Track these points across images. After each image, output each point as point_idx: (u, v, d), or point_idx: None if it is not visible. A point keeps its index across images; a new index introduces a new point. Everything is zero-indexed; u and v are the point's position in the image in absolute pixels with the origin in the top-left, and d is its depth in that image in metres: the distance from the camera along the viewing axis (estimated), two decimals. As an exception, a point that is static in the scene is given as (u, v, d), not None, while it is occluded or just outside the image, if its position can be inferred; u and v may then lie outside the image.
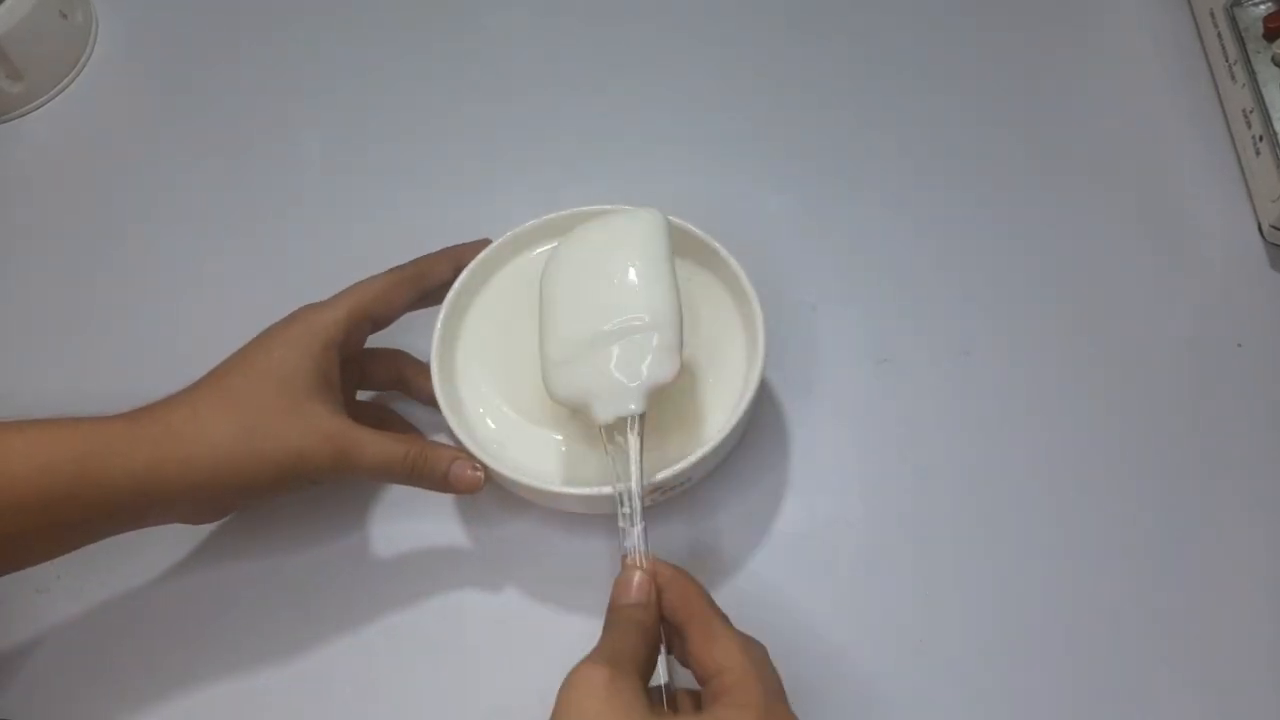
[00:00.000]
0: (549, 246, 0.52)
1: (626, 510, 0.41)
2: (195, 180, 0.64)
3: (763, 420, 0.52)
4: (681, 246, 0.50)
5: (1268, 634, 0.46)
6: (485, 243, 0.51)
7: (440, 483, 0.45)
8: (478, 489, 0.46)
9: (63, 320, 0.59)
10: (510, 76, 0.66)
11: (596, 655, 0.36)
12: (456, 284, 0.49)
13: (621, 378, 0.41)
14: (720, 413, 0.47)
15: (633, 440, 0.41)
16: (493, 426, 0.48)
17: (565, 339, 0.43)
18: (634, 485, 0.41)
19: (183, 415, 0.43)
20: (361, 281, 0.47)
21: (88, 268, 0.61)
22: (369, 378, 0.51)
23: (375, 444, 0.44)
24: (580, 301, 0.44)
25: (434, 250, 0.50)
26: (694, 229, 0.49)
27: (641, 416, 0.41)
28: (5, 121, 0.67)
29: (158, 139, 0.66)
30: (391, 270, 0.48)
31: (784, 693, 0.37)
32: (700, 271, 0.50)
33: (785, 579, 0.48)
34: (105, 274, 0.60)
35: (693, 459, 0.44)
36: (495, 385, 0.49)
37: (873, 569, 0.48)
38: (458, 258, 0.50)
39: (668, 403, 0.48)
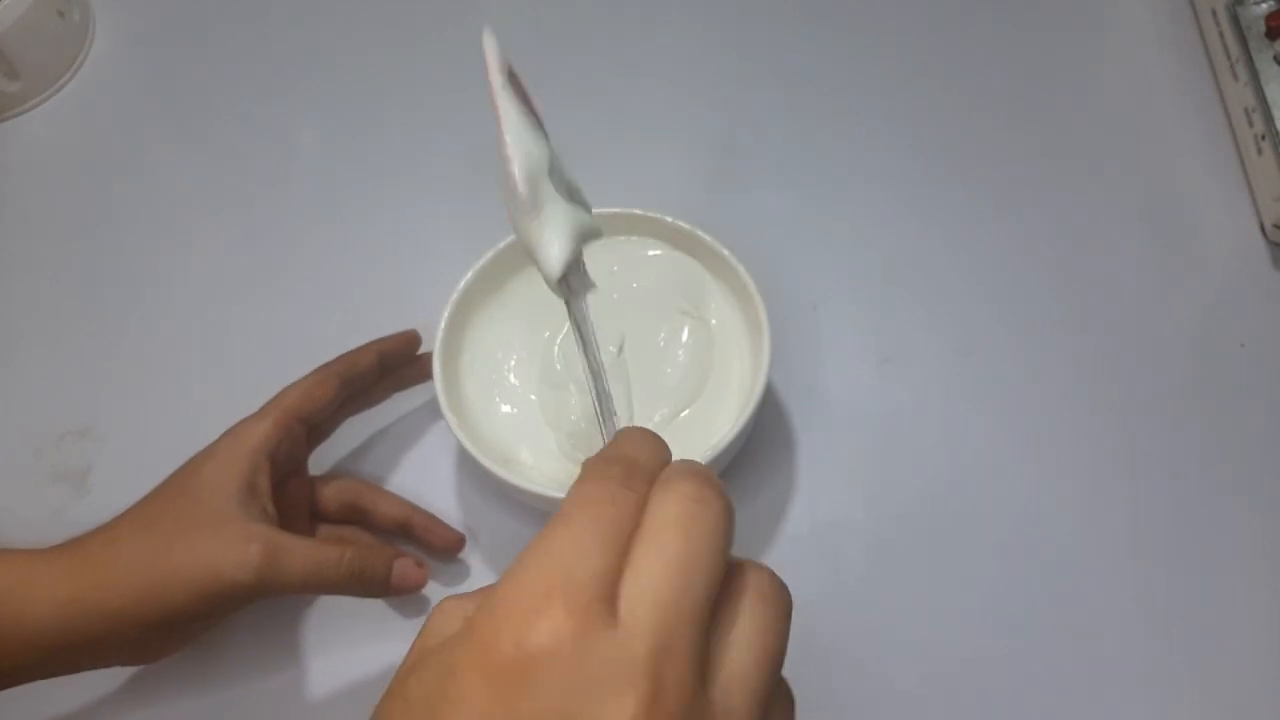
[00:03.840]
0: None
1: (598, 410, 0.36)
2: (192, 179, 0.63)
3: (765, 421, 0.51)
4: (689, 249, 0.51)
5: (1270, 633, 0.46)
6: (410, 334, 0.50)
7: (381, 586, 0.43)
8: (423, 587, 0.44)
9: (58, 319, 0.59)
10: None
11: None
12: (461, 285, 0.49)
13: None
14: (725, 417, 0.47)
15: (580, 318, 0.37)
16: (495, 430, 0.48)
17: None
18: (595, 370, 0.36)
19: (101, 542, 0.41)
20: (287, 387, 0.46)
21: (84, 266, 0.60)
22: (320, 505, 0.48)
23: (305, 549, 0.41)
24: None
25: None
26: (702, 234, 0.49)
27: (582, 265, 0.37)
28: (2, 120, 0.67)
29: (155, 138, 0.65)
30: (317, 369, 0.47)
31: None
32: (706, 274, 0.50)
33: (789, 580, 0.48)
34: (101, 272, 0.60)
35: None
36: (497, 389, 0.49)
37: (876, 569, 0.48)
38: (381, 349, 0.49)
39: (671, 406, 0.48)
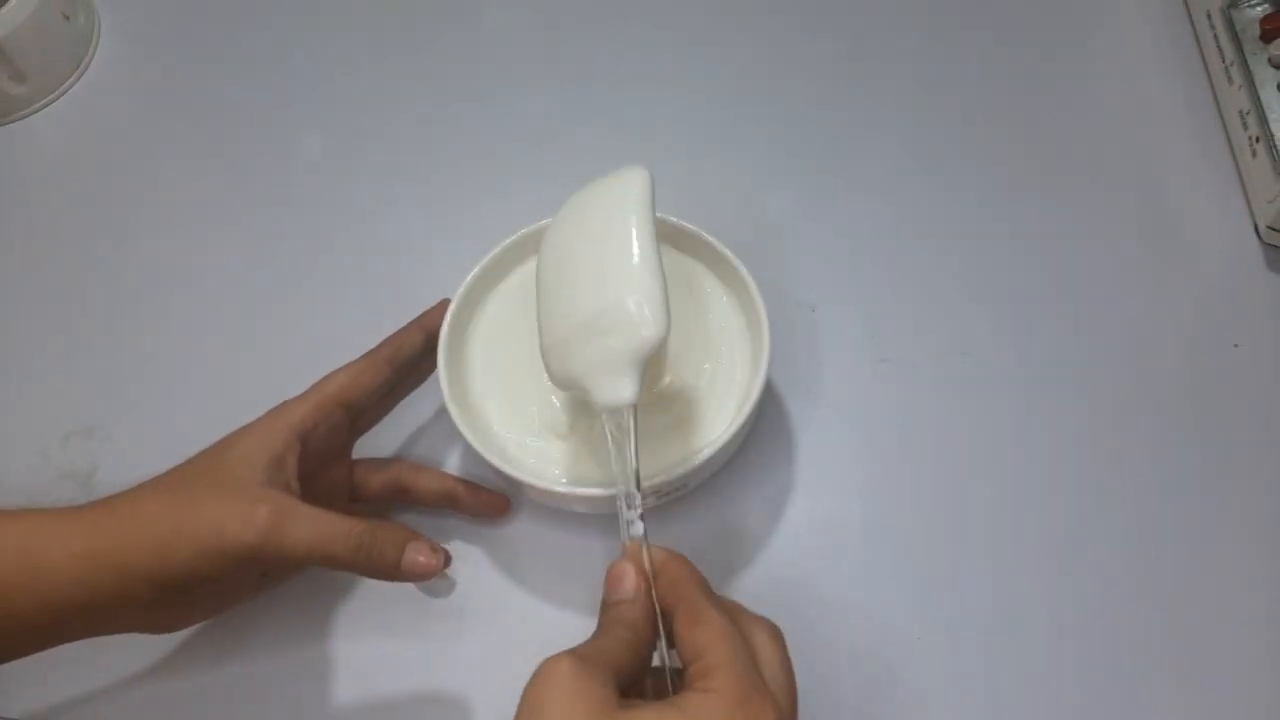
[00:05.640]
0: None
1: (625, 501, 0.39)
2: (197, 181, 0.64)
3: (763, 421, 0.52)
4: (688, 248, 0.51)
5: (1266, 633, 0.46)
6: (446, 305, 0.49)
7: (390, 568, 0.42)
8: (433, 576, 0.43)
9: (64, 319, 0.59)
10: (510, 76, 0.66)
11: (570, 649, 0.34)
12: (464, 284, 0.49)
13: (612, 363, 0.39)
14: (723, 415, 0.47)
15: (629, 428, 0.39)
16: (499, 426, 0.49)
17: (558, 322, 0.41)
18: (630, 472, 0.39)
19: (125, 499, 0.41)
20: (333, 371, 0.46)
21: (89, 267, 0.61)
22: (363, 488, 0.49)
23: (315, 518, 0.40)
24: (569, 280, 0.42)
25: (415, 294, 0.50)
26: (705, 234, 0.50)
27: (634, 407, 0.39)
28: (8, 123, 0.67)
29: (160, 140, 0.66)
30: (364, 355, 0.47)
31: (780, 684, 0.34)
32: (706, 274, 0.51)
33: (786, 579, 0.48)
34: (106, 273, 0.61)
35: (696, 462, 0.44)
36: (500, 384, 0.50)
37: (875, 567, 0.49)
38: (426, 325, 0.49)
39: (671, 405, 0.48)
